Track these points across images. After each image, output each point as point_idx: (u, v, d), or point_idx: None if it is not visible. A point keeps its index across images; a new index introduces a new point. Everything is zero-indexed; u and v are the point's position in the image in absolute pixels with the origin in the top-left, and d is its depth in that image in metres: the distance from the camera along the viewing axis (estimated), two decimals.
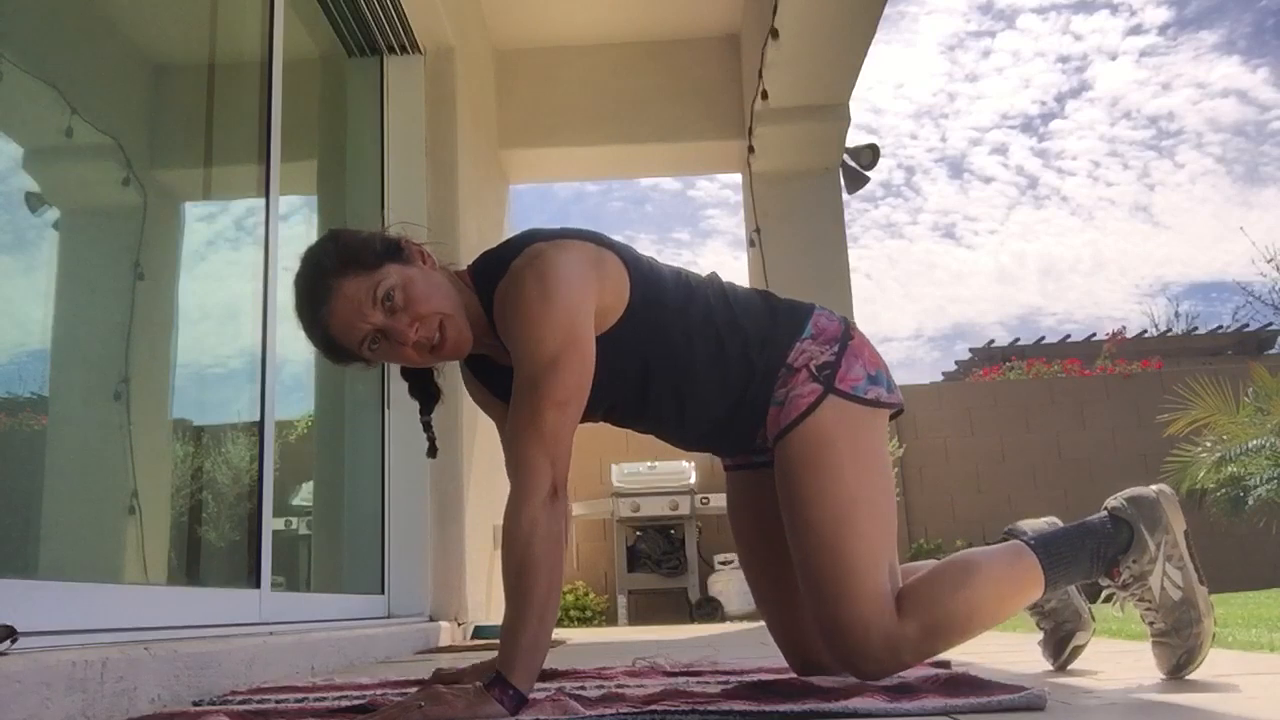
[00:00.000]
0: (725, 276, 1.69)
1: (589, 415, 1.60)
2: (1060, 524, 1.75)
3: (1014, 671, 1.71)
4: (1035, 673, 1.71)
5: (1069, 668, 1.75)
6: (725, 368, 1.56)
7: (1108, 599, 1.60)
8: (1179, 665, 1.51)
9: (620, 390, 1.58)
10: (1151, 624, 1.54)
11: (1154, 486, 1.59)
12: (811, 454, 1.51)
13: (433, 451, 1.64)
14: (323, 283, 1.42)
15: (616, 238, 1.59)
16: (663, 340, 1.54)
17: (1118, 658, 1.95)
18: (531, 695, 1.33)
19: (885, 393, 1.58)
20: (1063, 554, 1.52)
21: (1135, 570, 1.53)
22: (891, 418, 1.63)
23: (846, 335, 1.60)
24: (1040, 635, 1.79)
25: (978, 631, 1.49)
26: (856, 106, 5.51)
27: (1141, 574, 1.53)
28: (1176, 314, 27.66)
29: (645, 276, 1.55)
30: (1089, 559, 1.53)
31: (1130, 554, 1.53)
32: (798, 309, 1.64)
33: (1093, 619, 1.74)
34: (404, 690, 1.67)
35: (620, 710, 1.26)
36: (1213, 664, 1.57)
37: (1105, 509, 1.59)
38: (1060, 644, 1.74)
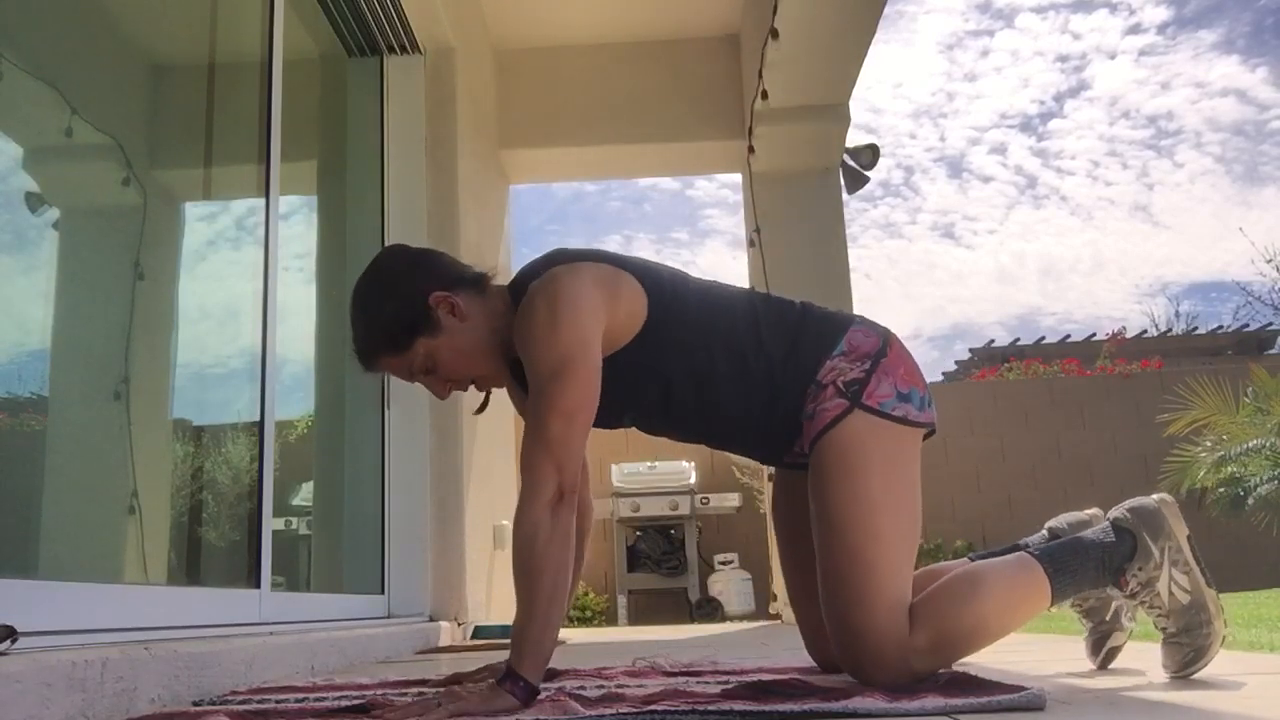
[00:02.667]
0: (724, 277, 1.73)
1: (613, 422, 1.69)
2: (1102, 515, 1.77)
3: (1014, 671, 1.71)
4: (1035, 673, 1.72)
5: (1092, 669, 1.76)
6: (749, 385, 1.61)
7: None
8: (1186, 664, 1.52)
9: (643, 402, 1.65)
10: (1164, 629, 1.56)
11: (1154, 496, 1.62)
12: (840, 458, 1.55)
13: (480, 409, 1.76)
14: (367, 359, 1.64)
15: (644, 255, 1.68)
16: (684, 356, 1.60)
17: (1119, 657, 1.95)
18: None
19: (915, 410, 1.61)
20: (1068, 564, 1.55)
21: (1142, 577, 1.55)
22: (925, 437, 1.66)
23: (881, 352, 1.63)
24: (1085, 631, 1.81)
25: (986, 643, 1.52)
26: (856, 106, 5.51)
27: (1149, 580, 1.55)
28: (1176, 314, 27.77)
29: (665, 296, 1.61)
30: (1095, 568, 1.56)
31: (1135, 561, 1.56)
32: (832, 325, 1.67)
33: (1132, 622, 1.76)
34: (404, 690, 1.68)
35: (620, 710, 1.26)
36: (1213, 664, 1.57)
37: (1107, 520, 1.62)
38: (1097, 644, 1.77)
